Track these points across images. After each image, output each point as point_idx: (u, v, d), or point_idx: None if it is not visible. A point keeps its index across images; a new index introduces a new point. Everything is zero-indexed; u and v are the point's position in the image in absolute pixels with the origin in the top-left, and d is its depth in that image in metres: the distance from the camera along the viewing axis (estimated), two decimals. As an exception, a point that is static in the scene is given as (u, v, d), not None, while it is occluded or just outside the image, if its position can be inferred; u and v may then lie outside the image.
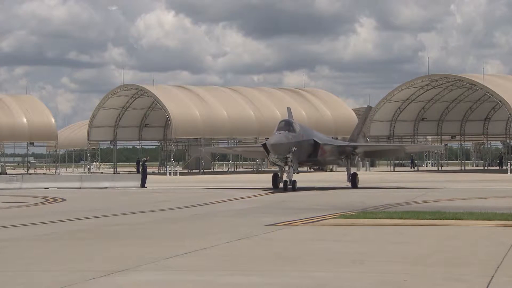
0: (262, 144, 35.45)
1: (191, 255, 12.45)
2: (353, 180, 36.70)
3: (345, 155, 38.65)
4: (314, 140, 35.70)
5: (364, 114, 45.87)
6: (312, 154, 35.56)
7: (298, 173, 35.44)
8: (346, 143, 40.34)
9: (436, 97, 69.22)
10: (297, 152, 33.46)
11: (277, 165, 35.06)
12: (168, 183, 46.89)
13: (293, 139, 33.18)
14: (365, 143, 49.04)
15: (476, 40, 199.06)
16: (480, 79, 60.81)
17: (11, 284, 9.91)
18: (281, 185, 34.09)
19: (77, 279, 10.08)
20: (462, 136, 75.28)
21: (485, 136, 76.52)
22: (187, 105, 65.85)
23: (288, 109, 41.98)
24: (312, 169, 46.05)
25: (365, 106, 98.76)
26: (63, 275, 10.55)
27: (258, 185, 39.55)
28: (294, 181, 33.18)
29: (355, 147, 39.24)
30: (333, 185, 39.51)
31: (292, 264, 11.38)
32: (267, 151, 33.84)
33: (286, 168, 33.64)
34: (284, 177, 34.29)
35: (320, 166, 41.06)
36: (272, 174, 36.67)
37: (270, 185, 35.68)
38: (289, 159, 32.96)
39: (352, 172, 37.54)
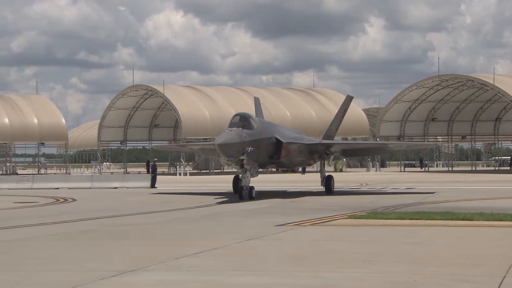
0: (213, 143, 28.47)
1: (201, 255, 12.47)
2: (328, 184, 32.01)
3: (318, 154, 33.47)
4: (276, 138, 30.17)
5: (343, 105, 38.61)
6: (275, 155, 30.18)
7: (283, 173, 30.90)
8: (318, 141, 34.25)
9: (447, 97, 68.98)
10: (255, 153, 28.09)
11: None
12: (178, 183, 46.98)
13: (248, 137, 27.60)
14: (341, 141, 41.79)
15: (486, 40, 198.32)
16: (491, 79, 60.53)
17: (23, 284, 9.97)
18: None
19: (88, 279, 10.12)
20: (473, 137, 74.95)
21: (496, 136, 76.20)
22: (196, 105, 65.97)
23: (256, 100, 36.82)
24: (280, 171, 38.50)
25: (375, 106, 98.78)
26: (74, 275, 10.60)
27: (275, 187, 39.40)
28: (251, 188, 27.95)
29: (329, 146, 33.54)
30: (305, 188, 35.77)
31: (302, 265, 11.37)
32: None
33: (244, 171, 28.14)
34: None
35: (286, 168, 34.27)
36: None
37: (277, 185, 34.81)
38: (244, 162, 27.51)
39: (326, 175, 32.51)
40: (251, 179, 28.27)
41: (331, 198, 28.95)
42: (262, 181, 37.95)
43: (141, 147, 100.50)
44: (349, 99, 38.92)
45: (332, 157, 34.37)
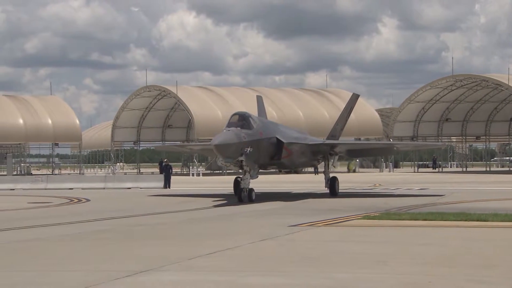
0: (210, 143, 27.48)
1: (214, 255, 12.49)
2: (332, 186, 30.92)
3: (322, 155, 32.21)
4: (277, 138, 28.96)
5: (349, 104, 36.90)
6: (276, 156, 28.96)
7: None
8: (321, 141, 32.63)
9: (461, 97, 68.65)
10: (254, 154, 26.98)
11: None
12: (191, 184, 47.09)
13: (247, 137, 26.51)
14: (345, 141, 39.01)
15: (500, 39, 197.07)
16: (505, 79, 60.15)
17: (37, 284, 10.04)
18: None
19: (102, 279, 10.17)
20: (487, 137, 74.53)
21: (511, 136, 75.70)
22: (209, 106, 66.09)
23: (259, 98, 35.33)
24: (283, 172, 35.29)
25: (388, 106, 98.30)
26: (88, 275, 10.66)
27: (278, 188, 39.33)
28: (251, 190, 26.87)
29: (333, 146, 32.17)
30: (309, 190, 34.89)
31: (315, 265, 11.36)
32: None
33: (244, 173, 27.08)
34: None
35: (288, 169, 32.48)
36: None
37: (290, 186, 34.06)
38: (243, 163, 26.52)
39: (331, 176, 31.34)
40: (252, 180, 27.22)
41: (343, 199, 28.86)
42: (264, 182, 37.65)
43: (154, 148, 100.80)
44: (355, 98, 37.39)
45: (336, 157, 33.18)
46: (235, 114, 27.64)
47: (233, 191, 30.08)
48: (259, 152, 27.48)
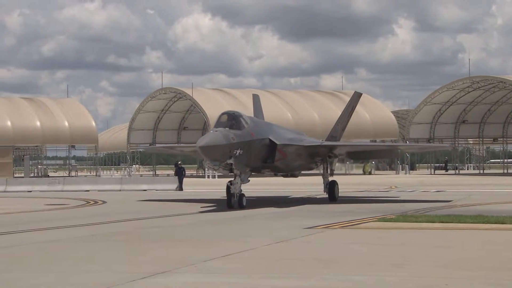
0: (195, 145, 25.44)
1: (230, 257, 12.49)
2: (331, 190, 28.81)
3: (320, 157, 30.00)
4: (270, 140, 26.81)
5: (351, 103, 34.56)
6: (269, 158, 26.80)
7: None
8: (319, 143, 30.18)
9: (478, 99, 68.21)
10: (245, 156, 24.96)
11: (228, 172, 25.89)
12: (206, 186, 47.15)
13: (237, 138, 24.51)
14: (345, 143, 36.65)
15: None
16: (523, 81, 59.71)
17: (55, 285, 10.10)
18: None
19: (119, 281, 10.21)
20: (505, 139, 73.95)
21: (528, 138, 75.11)
22: (224, 108, 65.96)
23: (255, 97, 33.54)
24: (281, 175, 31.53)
25: (404, 108, 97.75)
26: (105, 276, 10.71)
27: (285, 191, 39.28)
28: (241, 195, 24.84)
29: (331, 148, 30.02)
30: (305, 194, 33.36)
31: (331, 267, 11.33)
32: None
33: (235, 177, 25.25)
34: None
35: (283, 172, 29.63)
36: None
37: (287, 189, 32.60)
38: (233, 166, 24.55)
39: (330, 180, 29.30)
40: (244, 185, 25.54)
41: (365, 200, 28.73)
42: (262, 184, 37.29)
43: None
44: (357, 96, 34.86)
45: (336, 160, 31.24)
46: (223, 113, 25.46)
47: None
48: (250, 154, 25.45)
